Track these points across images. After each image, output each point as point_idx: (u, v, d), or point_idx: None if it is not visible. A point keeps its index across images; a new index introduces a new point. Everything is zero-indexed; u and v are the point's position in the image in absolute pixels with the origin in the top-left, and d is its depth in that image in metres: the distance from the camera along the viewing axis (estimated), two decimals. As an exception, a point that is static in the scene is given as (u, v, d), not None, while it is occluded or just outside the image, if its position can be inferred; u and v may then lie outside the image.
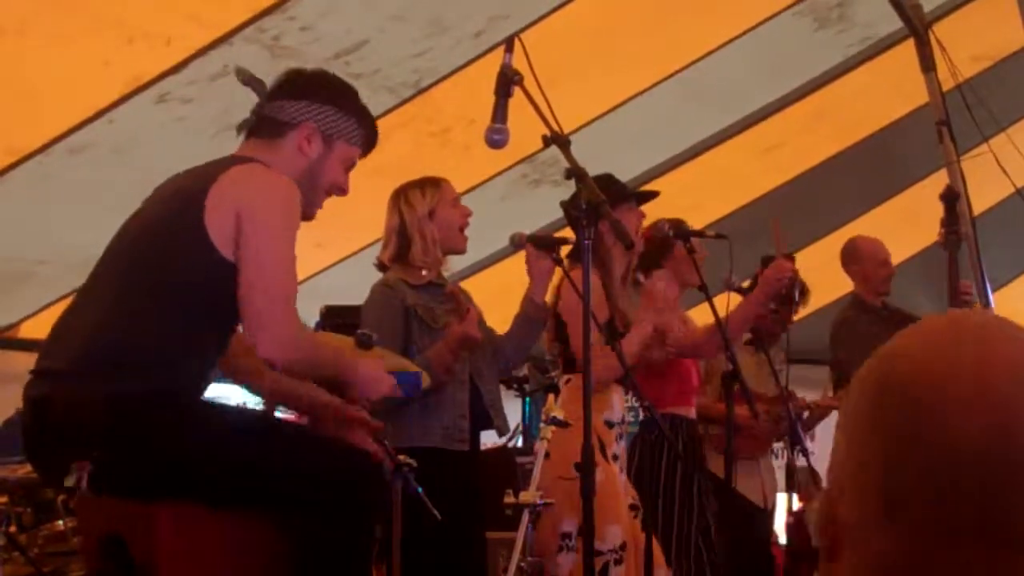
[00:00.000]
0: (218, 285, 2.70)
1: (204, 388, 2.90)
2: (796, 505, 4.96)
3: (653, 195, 4.34)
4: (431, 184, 4.13)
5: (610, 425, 4.02)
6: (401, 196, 4.12)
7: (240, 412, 2.97)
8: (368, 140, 3.11)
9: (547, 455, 3.75)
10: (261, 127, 3.00)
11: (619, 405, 4.07)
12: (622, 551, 3.86)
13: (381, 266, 4.14)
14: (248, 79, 3.01)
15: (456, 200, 4.17)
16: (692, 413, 4.82)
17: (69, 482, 2.57)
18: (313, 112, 2.97)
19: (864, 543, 0.88)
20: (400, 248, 4.07)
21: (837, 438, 0.94)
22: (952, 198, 4.80)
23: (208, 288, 2.72)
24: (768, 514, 5.40)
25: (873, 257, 5.73)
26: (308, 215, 3.01)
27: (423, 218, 4.05)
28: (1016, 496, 0.83)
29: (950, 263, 4.66)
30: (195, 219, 2.71)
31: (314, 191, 2.98)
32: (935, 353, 0.89)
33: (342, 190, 3.08)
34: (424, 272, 4.07)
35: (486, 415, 4.09)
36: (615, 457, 4.02)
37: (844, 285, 6.19)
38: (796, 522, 5.13)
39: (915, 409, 0.86)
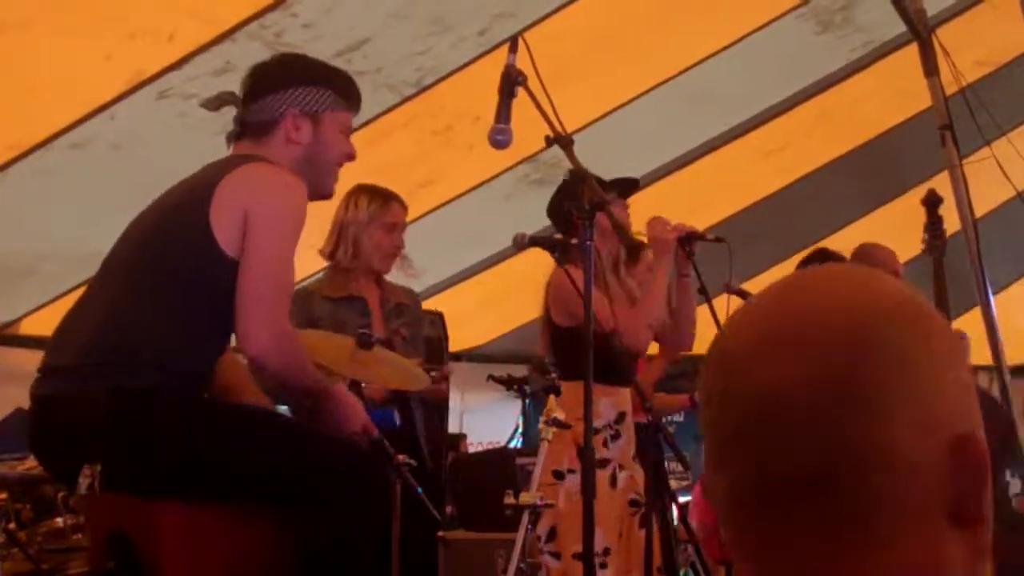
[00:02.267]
0: (223, 284, 2.71)
1: (205, 383, 2.89)
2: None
3: (633, 182, 4.32)
4: (380, 198, 4.22)
5: (595, 432, 4.00)
6: (352, 196, 4.21)
7: (243, 409, 2.95)
8: (350, 97, 3.09)
9: (536, 459, 3.75)
10: (247, 132, 3.00)
11: (608, 408, 4.05)
12: (605, 555, 3.84)
13: (323, 255, 4.24)
14: (219, 102, 3.02)
15: (394, 227, 4.22)
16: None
17: (84, 485, 2.56)
18: (288, 98, 2.97)
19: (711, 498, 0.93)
20: (334, 246, 4.17)
21: None
22: (934, 202, 4.76)
23: (213, 287, 2.72)
24: None
25: (886, 267, 5.71)
26: (325, 194, 3.06)
27: (359, 224, 4.15)
28: (787, 446, 0.85)
29: (935, 268, 4.61)
30: (201, 219, 2.71)
31: (320, 171, 3.00)
32: (742, 314, 0.93)
33: (350, 156, 3.08)
34: (349, 276, 4.13)
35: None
36: (602, 462, 3.98)
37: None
38: None
39: (713, 369, 0.91)
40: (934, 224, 4.68)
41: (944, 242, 4.65)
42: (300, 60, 3.16)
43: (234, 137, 3.04)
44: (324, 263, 4.40)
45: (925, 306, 0.90)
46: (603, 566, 3.83)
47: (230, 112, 4.67)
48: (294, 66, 3.09)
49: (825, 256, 5.24)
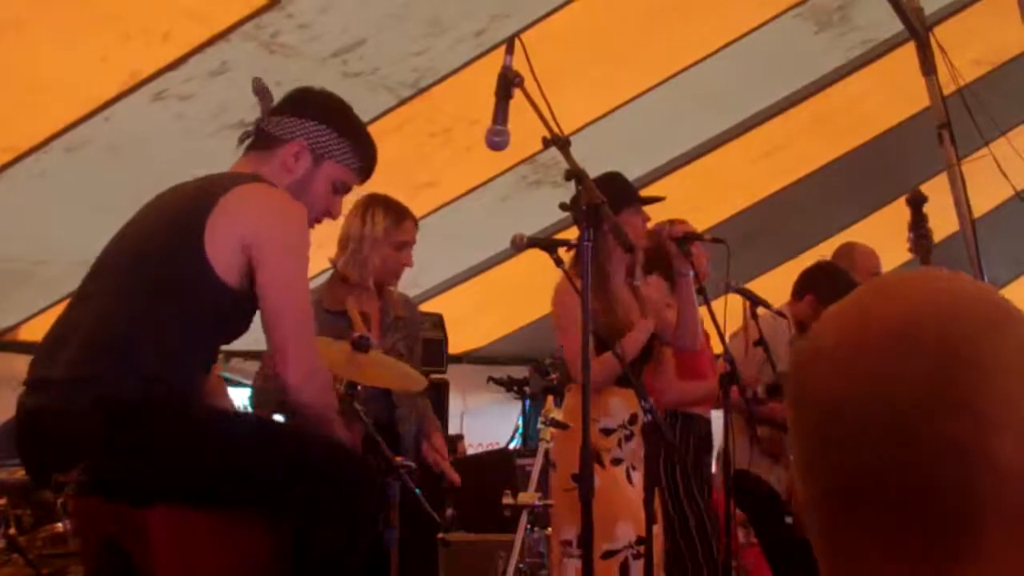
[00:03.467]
0: (211, 307, 2.72)
1: (194, 397, 2.88)
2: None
3: (658, 200, 4.33)
4: (394, 214, 4.18)
5: (607, 432, 4.00)
6: (368, 207, 4.16)
7: (234, 416, 2.95)
8: (362, 162, 3.07)
9: (553, 465, 3.75)
10: (257, 140, 3.00)
11: (622, 408, 4.05)
12: (639, 545, 3.85)
13: (333, 266, 4.20)
14: (259, 89, 3.00)
15: (405, 245, 4.19)
16: (708, 412, 4.84)
17: (60, 477, 2.55)
18: (305, 129, 2.96)
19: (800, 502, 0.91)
20: (344, 255, 4.13)
21: None
22: (918, 201, 4.75)
23: (205, 309, 2.73)
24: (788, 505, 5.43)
25: (864, 267, 5.70)
26: None
27: (373, 238, 4.11)
28: (887, 453, 0.83)
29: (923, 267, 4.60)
30: (195, 242, 2.70)
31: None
32: (835, 317, 0.91)
33: (329, 214, 3.07)
34: (351, 287, 4.10)
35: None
36: (616, 461, 3.99)
37: (844, 288, 6.18)
38: None
39: (800, 373, 0.89)
40: (919, 223, 4.67)
41: (930, 241, 4.63)
42: (336, 104, 3.11)
43: (245, 138, 3.03)
44: (323, 266, 4.39)
45: (1018, 312, 0.89)
46: (637, 556, 3.84)
47: (226, 114, 4.69)
48: (327, 106, 3.06)
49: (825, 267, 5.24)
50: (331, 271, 4.24)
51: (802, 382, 0.89)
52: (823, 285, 5.09)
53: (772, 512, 5.03)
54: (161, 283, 2.74)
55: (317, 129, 2.96)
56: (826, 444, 0.86)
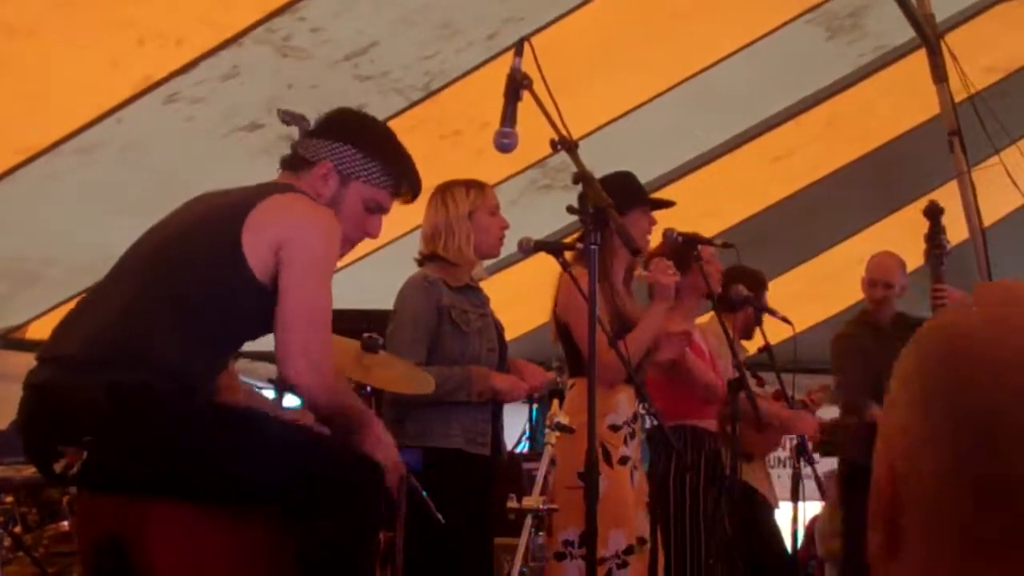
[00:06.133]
0: (242, 303, 2.74)
1: (205, 395, 2.89)
2: (802, 514, 4.93)
3: (668, 204, 4.32)
4: (476, 186, 4.13)
5: (615, 428, 4.00)
6: (445, 192, 4.11)
7: (241, 412, 2.95)
8: (397, 178, 3.06)
9: (554, 463, 3.74)
10: (292, 162, 3.03)
11: (627, 406, 4.05)
12: (626, 555, 3.85)
13: (422, 261, 4.13)
14: (289, 117, 3.03)
15: (496, 209, 4.14)
16: (715, 426, 4.81)
17: (58, 468, 2.56)
18: (331, 151, 2.98)
19: (941, 524, 0.83)
20: (439, 244, 4.05)
21: (896, 408, 0.89)
22: (935, 212, 4.70)
23: (231, 304, 2.74)
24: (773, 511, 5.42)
25: (867, 273, 5.68)
26: None
27: (463, 217, 4.04)
28: None
29: (933, 276, 4.56)
30: (232, 238, 2.73)
31: None
32: (994, 315, 0.85)
33: (368, 234, 3.07)
34: (459, 272, 4.04)
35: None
36: (623, 460, 3.99)
37: (853, 295, 6.17)
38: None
39: (985, 367, 0.82)
40: (935, 234, 4.63)
41: (944, 251, 4.59)
42: (366, 125, 3.13)
43: (285, 161, 3.06)
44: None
45: None
46: (621, 566, 3.83)
47: (237, 117, 4.71)
48: (356, 127, 3.08)
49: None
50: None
51: (996, 390, 0.82)
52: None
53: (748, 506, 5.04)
54: (188, 278, 2.75)
55: (343, 150, 2.98)
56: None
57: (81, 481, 2.63)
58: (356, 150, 2.99)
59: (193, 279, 2.76)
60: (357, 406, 2.93)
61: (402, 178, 3.08)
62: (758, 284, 5.29)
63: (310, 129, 3.06)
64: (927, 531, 0.84)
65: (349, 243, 3.05)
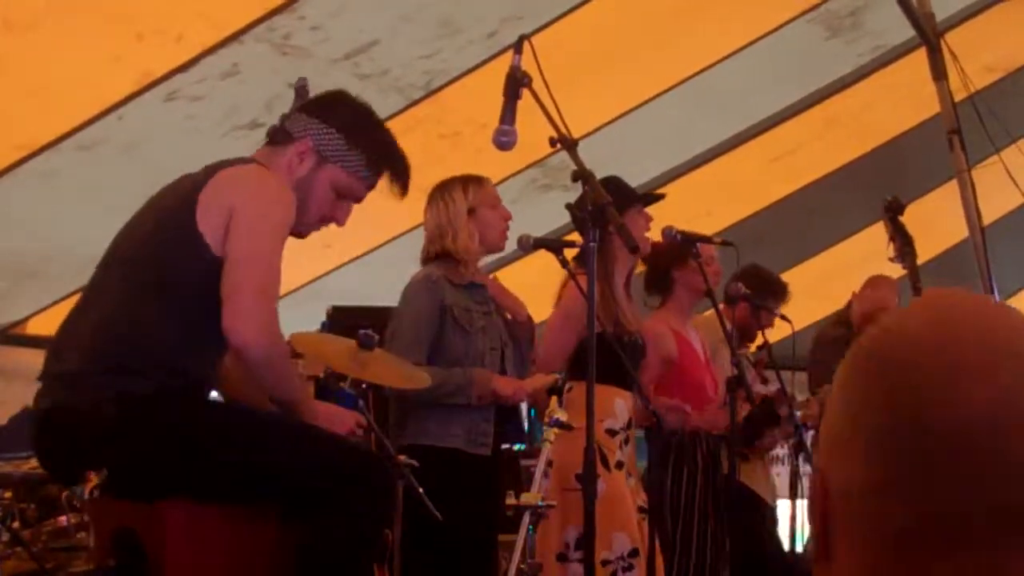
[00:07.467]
0: (214, 284, 2.70)
1: (209, 386, 2.90)
2: (801, 512, 4.94)
3: (659, 197, 4.33)
4: (474, 181, 4.12)
5: (612, 433, 4.00)
6: (444, 191, 4.10)
7: (247, 410, 2.96)
8: (375, 169, 3.04)
9: (551, 464, 3.75)
10: (276, 134, 3.02)
11: (623, 410, 4.06)
12: (631, 558, 3.84)
13: (426, 261, 4.11)
14: (299, 89, 3.03)
15: (497, 201, 4.13)
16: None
17: (86, 492, 2.58)
18: (316, 131, 2.97)
19: (866, 517, 0.83)
20: (442, 242, 4.03)
21: (830, 412, 0.88)
22: (895, 209, 4.59)
23: (204, 287, 2.71)
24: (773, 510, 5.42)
25: (859, 306, 5.68)
26: (296, 232, 2.98)
27: (464, 214, 4.02)
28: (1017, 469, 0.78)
29: (911, 278, 4.50)
30: (188, 220, 2.73)
31: (301, 210, 2.94)
32: (935, 321, 0.84)
33: (329, 219, 3.05)
34: (463, 270, 4.03)
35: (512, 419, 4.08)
36: (619, 464, 3.99)
37: (851, 294, 6.16)
38: None
39: (918, 376, 0.81)
40: (900, 232, 4.54)
41: (911, 249, 4.52)
42: (358, 113, 3.10)
43: (269, 131, 3.05)
44: (333, 264, 4.37)
45: None
46: (628, 569, 3.83)
47: (237, 115, 4.70)
48: (347, 113, 3.06)
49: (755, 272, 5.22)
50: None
51: (898, 396, 0.82)
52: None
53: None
54: (162, 268, 2.76)
55: (328, 132, 2.97)
56: (937, 465, 0.79)
57: (105, 489, 2.65)
58: (341, 136, 2.98)
59: (164, 270, 2.76)
60: (299, 382, 2.92)
61: (379, 170, 3.06)
62: (774, 290, 5.31)
63: (302, 104, 3.03)
64: (851, 538, 0.84)
65: (313, 224, 3.02)
